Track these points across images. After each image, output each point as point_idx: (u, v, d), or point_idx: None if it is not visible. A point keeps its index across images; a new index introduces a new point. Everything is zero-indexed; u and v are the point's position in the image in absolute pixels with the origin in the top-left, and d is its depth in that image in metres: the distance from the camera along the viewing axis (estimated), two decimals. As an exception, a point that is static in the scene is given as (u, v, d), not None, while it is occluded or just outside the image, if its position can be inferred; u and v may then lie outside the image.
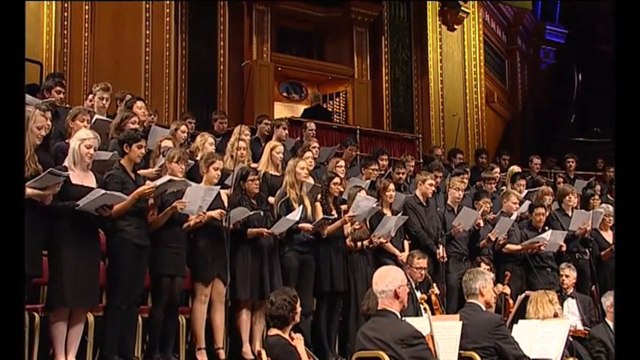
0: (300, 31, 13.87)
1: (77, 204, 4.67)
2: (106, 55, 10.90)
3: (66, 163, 4.89)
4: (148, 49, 11.06)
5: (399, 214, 6.72)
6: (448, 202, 7.50)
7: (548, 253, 7.41)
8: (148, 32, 11.08)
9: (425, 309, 4.44)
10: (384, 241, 6.55)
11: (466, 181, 8.17)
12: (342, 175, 7.25)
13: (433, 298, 6.07)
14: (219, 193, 5.65)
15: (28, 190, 4.37)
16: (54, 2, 10.54)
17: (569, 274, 7.02)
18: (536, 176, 10.39)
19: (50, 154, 5.21)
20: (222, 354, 5.60)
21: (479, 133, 14.78)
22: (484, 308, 4.68)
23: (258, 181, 6.07)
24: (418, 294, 5.87)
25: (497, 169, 9.10)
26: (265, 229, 5.84)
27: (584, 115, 16.50)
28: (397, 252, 6.67)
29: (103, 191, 4.74)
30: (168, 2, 11.23)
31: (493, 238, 7.19)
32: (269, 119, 8.95)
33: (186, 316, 5.64)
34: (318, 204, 6.41)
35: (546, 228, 7.54)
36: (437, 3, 14.57)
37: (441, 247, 6.79)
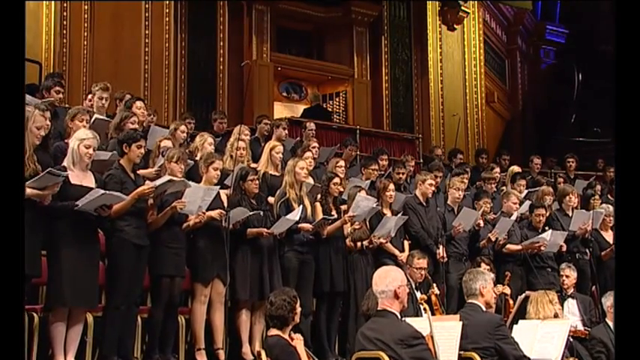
0: (300, 31, 13.87)
1: (76, 204, 4.66)
2: (106, 55, 10.89)
3: (65, 163, 4.88)
4: (147, 49, 11.06)
5: (399, 215, 6.71)
6: (448, 202, 7.49)
7: (548, 253, 7.41)
8: (147, 32, 11.08)
9: (425, 309, 4.43)
10: (384, 241, 6.54)
11: (466, 181, 8.16)
12: (342, 175, 7.25)
13: (433, 298, 6.07)
14: (218, 193, 5.65)
15: (27, 190, 4.36)
16: (53, 2, 10.53)
17: (569, 275, 7.01)
18: (536, 176, 10.38)
19: (49, 154, 5.19)
20: (221, 354, 5.59)
21: (479, 133, 14.77)
22: (484, 308, 4.67)
23: (257, 181, 6.06)
24: (418, 294, 5.86)
25: (498, 169, 9.10)
26: (265, 229, 5.83)
27: (585, 115, 16.48)
28: (397, 252, 6.66)
29: (102, 191, 4.73)
30: (167, 2, 11.23)
31: (493, 239, 7.18)
32: (269, 119, 8.94)
33: (185, 316, 5.63)
34: (317, 204, 6.41)
35: (546, 228, 7.54)
36: (437, 3, 14.56)
37: (441, 247, 6.78)
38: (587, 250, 7.78)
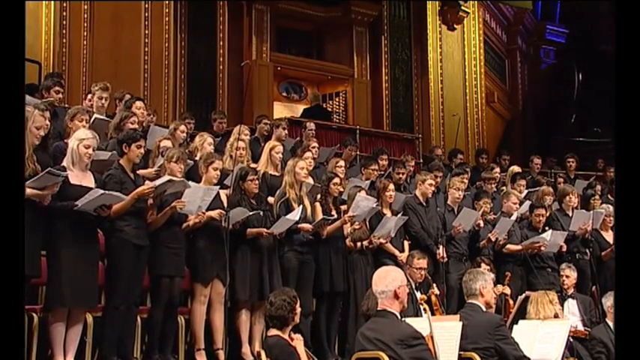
0: (300, 31, 13.86)
1: (76, 204, 4.66)
2: (105, 54, 10.88)
3: (64, 163, 4.87)
4: (147, 49, 11.05)
5: (399, 215, 6.70)
6: (448, 202, 7.48)
7: (548, 253, 7.40)
8: (147, 32, 11.07)
9: (425, 309, 4.43)
10: (384, 241, 6.53)
11: (466, 181, 8.15)
12: (342, 175, 7.24)
13: (433, 298, 6.06)
14: (218, 193, 5.64)
15: (27, 190, 4.34)
16: (53, 2, 10.51)
17: (569, 275, 7.01)
18: (536, 176, 10.38)
19: (49, 154, 5.19)
20: (221, 355, 5.58)
21: (479, 133, 14.77)
22: (484, 309, 4.67)
23: (257, 181, 6.06)
24: (418, 294, 5.86)
25: (498, 169, 9.09)
26: (265, 229, 5.83)
27: (585, 115, 16.48)
28: (397, 252, 6.65)
29: (102, 191, 4.72)
30: (167, 2, 11.22)
31: (493, 239, 7.18)
32: (268, 119, 8.94)
33: (185, 316, 5.62)
34: (317, 204, 6.40)
35: (546, 228, 7.53)
36: (437, 2, 14.56)
37: (440, 247, 6.78)
38: (588, 251, 7.78)
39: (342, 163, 7.62)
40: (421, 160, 11.58)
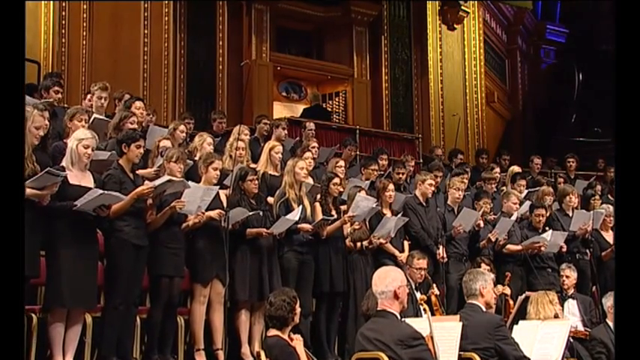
0: (300, 31, 13.86)
1: (75, 204, 4.65)
2: (104, 54, 10.87)
3: (64, 163, 4.86)
4: (146, 49, 11.04)
5: (399, 215, 6.69)
6: (448, 202, 7.48)
7: (548, 253, 7.39)
8: (146, 32, 11.06)
9: (425, 310, 4.43)
10: (384, 241, 6.52)
11: (466, 181, 8.15)
12: (342, 176, 7.23)
13: (433, 298, 6.06)
14: (218, 193, 5.63)
15: (26, 190, 4.34)
16: (52, 2, 10.50)
17: (569, 275, 7.00)
18: (536, 176, 10.37)
19: (48, 154, 5.18)
20: (221, 355, 5.57)
21: (479, 133, 14.76)
22: (484, 309, 4.66)
23: (257, 181, 6.05)
24: (418, 295, 5.85)
25: (498, 170, 9.08)
26: (264, 229, 5.82)
27: (585, 115, 16.48)
28: (397, 252, 6.64)
29: (101, 191, 4.71)
30: (166, 2, 11.21)
31: (493, 239, 7.17)
32: (268, 119, 8.93)
33: (184, 316, 5.61)
34: (317, 204, 6.39)
35: (547, 228, 7.52)
36: (437, 2, 14.56)
37: (440, 247, 6.77)
38: (588, 251, 7.77)
39: (341, 163, 7.61)
40: (421, 160, 11.58)
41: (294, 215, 5.92)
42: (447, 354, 4.17)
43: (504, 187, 8.85)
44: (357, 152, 10.03)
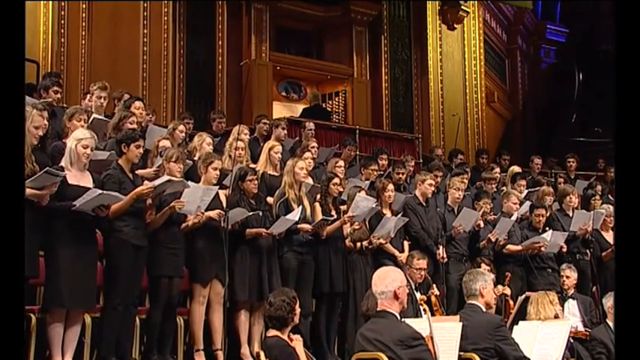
0: (299, 31, 13.85)
1: (74, 204, 4.64)
2: (104, 54, 10.86)
3: (63, 163, 4.85)
4: (145, 49, 11.04)
5: (399, 215, 6.69)
6: (448, 202, 7.47)
7: (548, 253, 7.38)
8: (145, 31, 11.06)
9: (425, 310, 4.42)
10: (384, 241, 6.51)
11: (466, 181, 8.14)
12: (342, 176, 7.22)
13: (433, 299, 6.05)
14: (217, 193, 5.62)
15: (25, 190, 4.33)
16: (51, 2, 10.49)
17: (569, 275, 6.99)
18: (536, 176, 10.36)
19: (47, 154, 5.18)
20: (220, 355, 5.57)
21: (479, 133, 14.76)
22: (484, 309, 4.65)
23: (256, 181, 6.04)
24: (418, 295, 5.84)
25: (498, 170, 9.07)
26: (264, 229, 5.81)
27: (585, 115, 16.48)
28: (397, 253, 6.63)
29: (100, 191, 4.71)
30: (166, 2, 11.21)
31: (493, 239, 7.16)
32: (268, 119, 8.92)
33: (184, 317, 5.60)
34: (317, 204, 6.39)
35: (547, 228, 7.51)
36: (437, 2, 14.55)
37: (440, 247, 6.76)
38: (588, 251, 7.76)
39: (341, 163, 7.60)
40: (421, 160, 11.57)
41: (294, 215, 5.91)
42: (447, 354, 4.16)
43: (504, 187, 8.84)
44: (357, 152, 10.02)
